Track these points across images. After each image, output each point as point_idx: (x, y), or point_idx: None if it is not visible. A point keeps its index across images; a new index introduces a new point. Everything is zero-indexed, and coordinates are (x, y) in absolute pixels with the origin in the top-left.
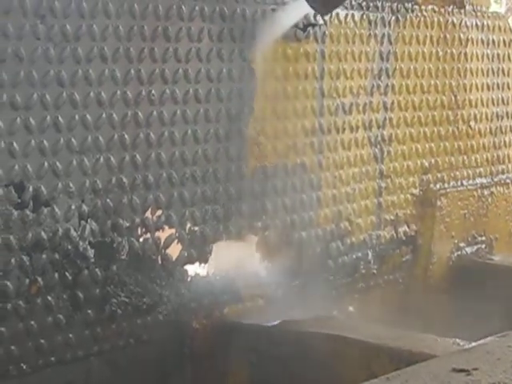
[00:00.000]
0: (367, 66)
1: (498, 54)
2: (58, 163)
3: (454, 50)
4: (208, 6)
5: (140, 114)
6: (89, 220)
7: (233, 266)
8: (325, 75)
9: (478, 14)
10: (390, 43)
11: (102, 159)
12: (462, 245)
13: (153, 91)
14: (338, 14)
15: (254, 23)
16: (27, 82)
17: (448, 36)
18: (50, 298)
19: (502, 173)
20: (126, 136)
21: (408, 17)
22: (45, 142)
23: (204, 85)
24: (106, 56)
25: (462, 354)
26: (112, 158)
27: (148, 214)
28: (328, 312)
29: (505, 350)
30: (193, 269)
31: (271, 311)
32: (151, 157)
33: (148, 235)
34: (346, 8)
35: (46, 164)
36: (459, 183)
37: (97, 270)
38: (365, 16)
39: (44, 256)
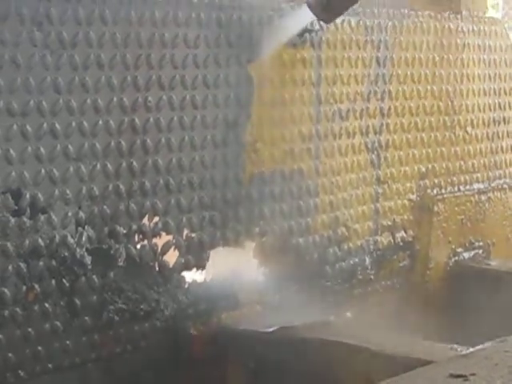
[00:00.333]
0: (364, 71)
1: (495, 60)
2: (54, 170)
3: (451, 56)
4: (205, 12)
5: (137, 120)
6: (86, 227)
7: (230, 272)
8: (321, 81)
9: (475, 19)
10: (387, 49)
11: (98, 166)
12: (459, 250)
13: (149, 98)
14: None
15: (255, 30)
16: (24, 89)
17: (444, 42)
18: (47, 304)
19: (499, 178)
20: (123, 143)
21: (404, 22)
22: (41, 148)
23: (201, 91)
24: (102, 63)
25: (460, 359)
26: (109, 165)
27: (145, 220)
28: (325, 318)
29: (502, 356)
30: (190, 275)
31: (269, 317)
32: (148, 163)
33: (145, 242)
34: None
35: (42, 171)
36: (456, 189)
37: (94, 276)
38: (361, 22)
39: (41, 263)
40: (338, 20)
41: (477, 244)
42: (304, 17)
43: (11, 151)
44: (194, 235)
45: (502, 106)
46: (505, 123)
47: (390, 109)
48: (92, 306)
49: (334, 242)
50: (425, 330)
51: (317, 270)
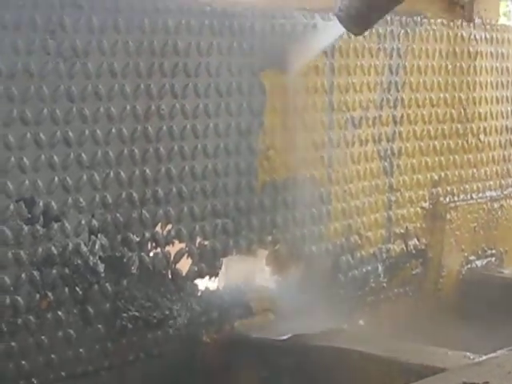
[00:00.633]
0: (376, 79)
1: (508, 67)
2: (68, 178)
3: (464, 64)
4: (217, 20)
5: (150, 128)
6: (99, 235)
7: (243, 280)
8: (334, 89)
9: (487, 27)
10: (400, 57)
11: (111, 174)
12: (471, 258)
13: (162, 106)
14: None
15: (267, 38)
16: (37, 97)
17: (457, 49)
18: (60, 312)
19: None
20: (136, 151)
21: (417, 30)
22: (55, 156)
23: (214, 99)
24: (115, 71)
25: (473, 367)
26: (122, 173)
27: (158, 228)
28: (338, 325)
29: None
30: (203, 283)
31: (281, 325)
32: (161, 171)
33: (158, 250)
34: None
35: (56, 179)
36: (469, 196)
37: (107, 284)
38: (374, 30)
39: (54, 271)
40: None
41: (489, 252)
42: (334, 30)
43: (25, 159)
44: (206, 243)
45: None
46: None
47: (402, 116)
48: (105, 314)
49: (347, 249)
50: (437, 337)
51: (330, 277)
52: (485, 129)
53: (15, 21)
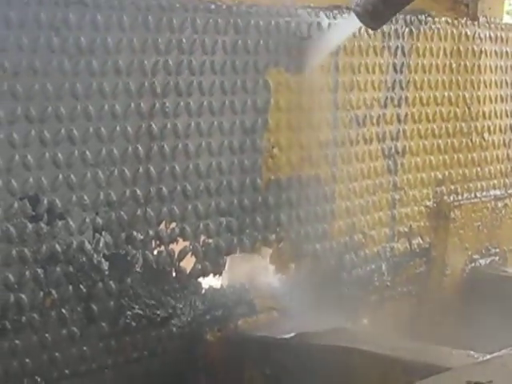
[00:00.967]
0: (381, 78)
1: None
2: (72, 176)
3: (468, 62)
4: (222, 18)
5: (154, 126)
6: (103, 232)
7: (247, 278)
8: (339, 87)
9: (492, 25)
10: (404, 55)
11: (116, 172)
12: (475, 257)
13: (167, 104)
14: None
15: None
16: (42, 95)
17: (461, 48)
18: (64, 310)
19: None
20: (140, 148)
21: (421, 29)
22: (59, 154)
23: (218, 97)
24: (120, 69)
25: (477, 366)
26: (126, 171)
27: (162, 226)
28: (342, 324)
29: None
30: (207, 281)
31: (285, 323)
32: (165, 169)
33: (162, 248)
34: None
35: (60, 177)
36: (473, 195)
37: (111, 282)
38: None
39: (58, 269)
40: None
41: (493, 251)
42: (351, 25)
43: (29, 157)
44: (211, 241)
45: None
46: None
47: (406, 115)
48: (109, 312)
49: (351, 248)
50: (441, 336)
51: (333, 276)
52: (489, 127)
53: (20, 18)
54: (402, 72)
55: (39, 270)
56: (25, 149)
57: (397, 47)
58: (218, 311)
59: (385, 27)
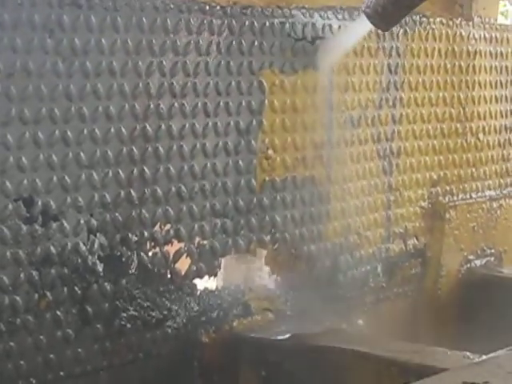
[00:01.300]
0: (376, 78)
1: (507, 66)
2: (66, 177)
3: (463, 63)
4: (216, 19)
5: (149, 127)
6: (98, 234)
7: (242, 279)
8: (333, 88)
9: (486, 26)
10: (399, 56)
11: (110, 173)
12: (471, 257)
13: (161, 105)
14: None
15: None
16: (36, 96)
17: (456, 48)
18: (59, 312)
19: (511, 185)
20: (135, 150)
21: (416, 29)
22: (53, 156)
23: (213, 98)
24: (114, 70)
25: (473, 367)
26: (121, 172)
27: (157, 227)
28: (337, 325)
29: None
30: (202, 283)
31: (281, 325)
32: (160, 171)
33: (157, 249)
34: (354, 21)
35: (54, 178)
36: (468, 196)
37: (106, 284)
38: (373, 29)
39: (53, 271)
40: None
41: (489, 251)
42: (362, 26)
43: (23, 159)
44: (205, 243)
45: None
46: None
47: (401, 116)
48: (104, 314)
49: (346, 249)
50: (437, 337)
51: (329, 277)
52: (484, 128)
53: (14, 19)
54: (396, 73)
55: (34, 272)
56: (19, 150)
57: (391, 48)
58: (213, 313)
59: None
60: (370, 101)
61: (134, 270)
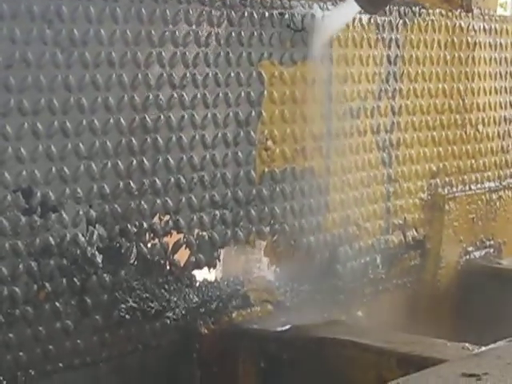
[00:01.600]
0: (375, 70)
1: (506, 58)
2: (65, 168)
3: (462, 54)
4: (215, 10)
5: (148, 118)
6: (97, 225)
7: (241, 270)
8: (333, 79)
9: (486, 17)
10: (398, 47)
11: (109, 164)
12: (470, 249)
13: (160, 96)
14: None
15: (266, 28)
16: (35, 87)
17: (455, 40)
18: (58, 303)
19: (511, 177)
20: (134, 141)
21: (415, 20)
22: (52, 147)
23: (212, 89)
24: (113, 61)
25: (472, 358)
26: (120, 163)
27: (156, 219)
28: (337, 317)
29: None
30: (201, 274)
31: (280, 316)
32: (159, 162)
33: (156, 240)
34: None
35: (53, 169)
36: (467, 187)
37: (105, 275)
38: (372, 20)
39: (52, 262)
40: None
41: (488, 243)
42: (350, 9)
43: (22, 150)
44: (204, 234)
45: None
46: None
47: (401, 107)
48: (103, 305)
49: (345, 240)
50: (436, 328)
51: (328, 268)
52: (483, 119)
53: (12, 10)
54: (396, 64)
55: (33, 263)
56: (18, 141)
57: (391, 39)
58: (212, 304)
59: (378, 19)
60: (369, 92)
61: (133, 261)
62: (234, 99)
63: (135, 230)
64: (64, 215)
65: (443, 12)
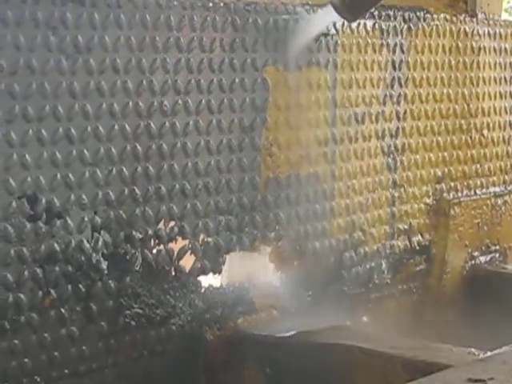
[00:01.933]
0: (379, 75)
1: (511, 63)
2: (70, 175)
3: (467, 59)
4: (220, 16)
5: (152, 125)
6: (102, 232)
7: (246, 276)
8: (337, 85)
9: (491, 22)
10: (403, 52)
11: (114, 171)
12: (475, 254)
13: (165, 102)
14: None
15: (270, 34)
16: (39, 94)
17: (460, 44)
18: (63, 310)
19: None
20: (139, 147)
21: (420, 25)
22: (57, 153)
23: (216, 95)
24: (118, 67)
25: (478, 364)
26: (125, 170)
27: (161, 225)
28: (342, 322)
29: None
30: (206, 280)
31: (285, 322)
32: (164, 168)
33: (161, 247)
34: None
35: (58, 176)
36: (472, 192)
37: (110, 281)
38: (377, 25)
39: (57, 268)
40: (354, 23)
41: (493, 248)
42: (327, 16)
43: (27, 156)
44: (210, 240)
45: None
46: None
47: (405, 112)
48: (108, 311)
49: (351, 246)
50: (442, 334)
51: (333, 274)
52: (488, 124)
53: (17, 17)
54: (400, 69)
55: (38, 270)
56: (23, 148)
57: (395, 44)
58: (217, 310)
59: (383, 24)
60: (373, 97)
61: (138, 268)
62: (238, 105)
63: (140, 236)
64: (69, 221)
65: (448, 17)
